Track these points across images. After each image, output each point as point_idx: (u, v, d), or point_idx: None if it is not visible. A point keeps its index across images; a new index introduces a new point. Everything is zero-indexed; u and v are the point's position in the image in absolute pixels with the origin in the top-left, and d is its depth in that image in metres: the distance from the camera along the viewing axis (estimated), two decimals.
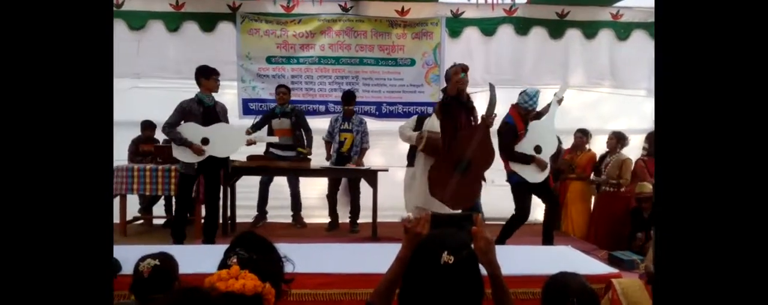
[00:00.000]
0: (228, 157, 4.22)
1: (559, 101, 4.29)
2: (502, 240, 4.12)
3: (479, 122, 3.66)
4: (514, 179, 4.17)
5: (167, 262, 1.77)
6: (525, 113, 4.15)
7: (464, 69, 3.61)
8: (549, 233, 4.26)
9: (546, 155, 4.15)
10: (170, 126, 3.97)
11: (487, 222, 4.25)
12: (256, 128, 5.06)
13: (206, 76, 4.03)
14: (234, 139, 4.12)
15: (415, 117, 4.43)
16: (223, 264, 1.37)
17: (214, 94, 4.14)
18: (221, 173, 4.26)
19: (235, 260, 1.34)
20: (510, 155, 4.12)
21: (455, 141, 3.51)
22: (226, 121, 4.19)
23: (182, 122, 4.03)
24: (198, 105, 4.02)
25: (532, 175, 4.12)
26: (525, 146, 4.12)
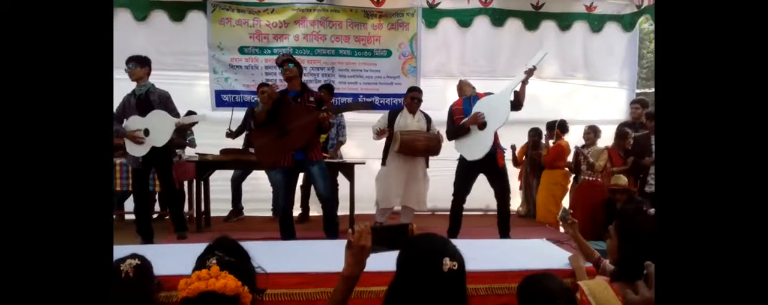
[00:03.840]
0: (167, 148, 4.01)
1: (529, 71, 3.80)
2: (452, 229, 4.08)
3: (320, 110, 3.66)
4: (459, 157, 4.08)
5: (145, 261, 1.75)
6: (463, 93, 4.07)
7: (282, 61, 3.67)
8: (504, 222, 4.03)
9: (491, 129, 3.84)
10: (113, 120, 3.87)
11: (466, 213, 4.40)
12: (238, 132, 4.93)
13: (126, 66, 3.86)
14: (165, 126, 3.88)
15: (386, 114, 4.46)
16: (201, 266, 1.35)
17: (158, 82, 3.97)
18: (172, 164, 4.13)
19: (214, 261, 1.32)
20: (449, 136, 4.08)
21: (284, 116, 3.64)
22: (169, 108, 3.95)
23: (126, 116, 3.90)
24: (132, 96, 3.91)
25: (469, 151, 3.91)
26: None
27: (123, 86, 3.99)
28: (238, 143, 5.01)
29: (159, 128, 3.85)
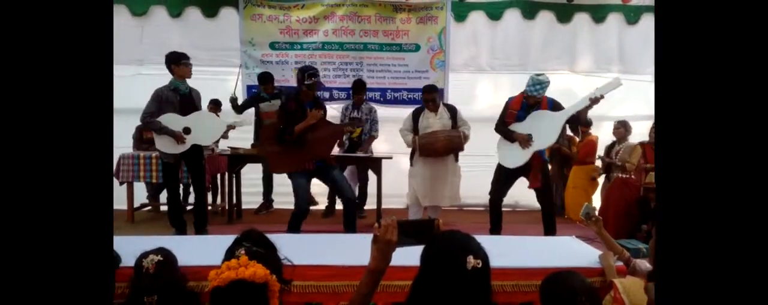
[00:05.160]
0: (200, 146, 4.15)
1: (594, 99, 3.63)
2: (493, 226, 4.10)
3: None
4: None
5: (168, 256, 1.80)
6: (529, 99, 3.90)
7: (311, 73, 3.66)
8: (549, 224, 4.08)
9: (533, 149, 3.86)
10: (150, 116, 3.87)
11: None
12: (243, 107, 5.06)
13: (176, 62, 3.88)
14: (215, 127, 4.15)
15: (410, 115, 4.44)
16: (230, 257, 1.39)
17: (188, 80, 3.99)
18: (204, 161, 4.25)
19: (243, 251, 1.36)
20: (496, 127, 4.09)
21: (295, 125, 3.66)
22: (200, 107, 4.13)
23: (161, 112, 3.93)
24: (174, 93, 3.91)
25: (508, 158, 3.97)
26: (516, 130, 3.95)
27: (156, 80, 4.11)
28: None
29: (206, 128, 4.01)
